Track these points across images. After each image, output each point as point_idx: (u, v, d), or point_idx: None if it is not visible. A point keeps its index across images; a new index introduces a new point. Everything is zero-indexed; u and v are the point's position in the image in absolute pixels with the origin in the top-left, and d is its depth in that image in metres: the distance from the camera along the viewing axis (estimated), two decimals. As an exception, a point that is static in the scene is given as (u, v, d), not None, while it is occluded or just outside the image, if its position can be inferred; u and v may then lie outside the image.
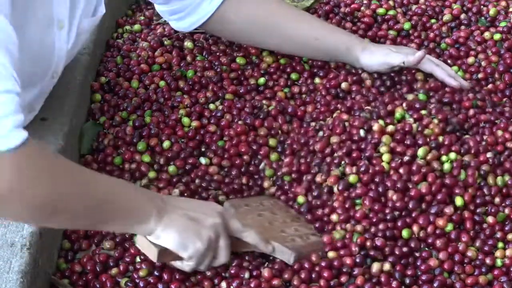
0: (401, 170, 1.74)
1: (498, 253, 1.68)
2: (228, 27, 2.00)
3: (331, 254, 1.66)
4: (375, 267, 1.64)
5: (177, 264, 1.59)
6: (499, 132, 1.84)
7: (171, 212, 1.54)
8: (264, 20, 1.98)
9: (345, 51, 1.99)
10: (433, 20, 2.22)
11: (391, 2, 2.26)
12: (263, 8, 1.98)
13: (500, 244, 1.70)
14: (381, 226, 1.68)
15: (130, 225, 1.53)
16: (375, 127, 1.80)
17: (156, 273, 1.63)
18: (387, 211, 1.70)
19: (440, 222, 1.69)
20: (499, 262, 1.67)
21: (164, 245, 1.54)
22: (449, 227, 1.70)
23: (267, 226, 1.70)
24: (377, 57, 1.97)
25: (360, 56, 1.98)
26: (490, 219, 1.73)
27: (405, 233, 1.69)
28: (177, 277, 1.62)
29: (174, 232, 1.53)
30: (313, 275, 1.63)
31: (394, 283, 1.62)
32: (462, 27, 2.20)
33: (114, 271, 1.66)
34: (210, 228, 1.56)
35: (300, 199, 1.78)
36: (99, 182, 1.51)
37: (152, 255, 1.56)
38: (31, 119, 1.77)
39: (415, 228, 1.69)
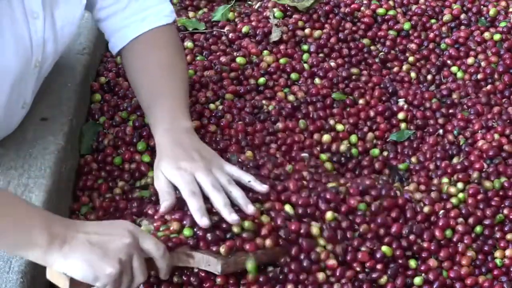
0: None
1: (497, 253, 1.69)
2: (127, 70, 1.87)
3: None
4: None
5: None
6: (496, 136, 1.84)
7: (71, 239, 1.42)
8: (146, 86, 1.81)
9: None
10: (433, 20, 2.22)
11: (391, 2, 2.26)
12: (150, 76, 1.81)
13: (500, 244, 1.70)
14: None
15: (15, 249, 1.44)
16: None
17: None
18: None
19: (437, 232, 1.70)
20: (498, 262, 1.68)
21: (71, 275, 1.42)
22: (448, 232, 1.70)
23: None
24: (159, 181, 1.65)
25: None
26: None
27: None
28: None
29: (77, 260, 1.41)
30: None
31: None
32: (462, 27, 2.20)
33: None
34: (119, 250, 1.43)
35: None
36: None
37: (63, 284, 1.43)
38: (24, 115, 1.77)
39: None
